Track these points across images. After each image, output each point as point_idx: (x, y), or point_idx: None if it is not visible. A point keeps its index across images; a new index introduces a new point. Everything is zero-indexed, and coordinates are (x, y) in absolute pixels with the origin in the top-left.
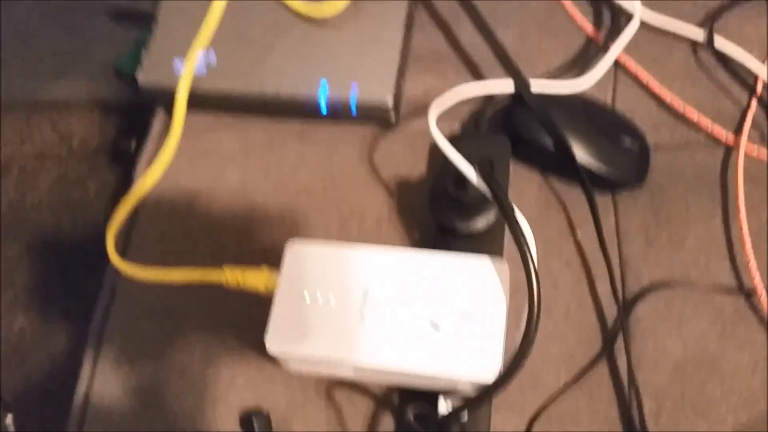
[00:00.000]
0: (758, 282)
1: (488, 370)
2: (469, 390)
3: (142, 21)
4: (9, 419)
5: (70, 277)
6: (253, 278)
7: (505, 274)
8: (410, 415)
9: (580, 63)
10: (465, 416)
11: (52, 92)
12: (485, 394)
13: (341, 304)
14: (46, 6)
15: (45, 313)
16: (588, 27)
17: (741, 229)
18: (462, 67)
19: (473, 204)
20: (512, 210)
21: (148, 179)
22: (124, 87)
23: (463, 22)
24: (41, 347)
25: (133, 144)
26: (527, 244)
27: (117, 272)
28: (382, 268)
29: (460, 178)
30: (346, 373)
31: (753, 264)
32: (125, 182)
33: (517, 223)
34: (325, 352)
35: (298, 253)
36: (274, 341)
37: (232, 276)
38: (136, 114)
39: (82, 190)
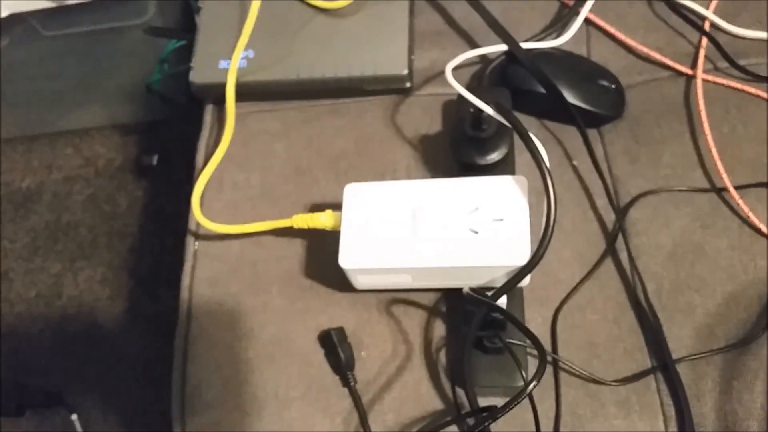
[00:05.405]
0: (726, 180)
1: (522, 255)
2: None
3: (172, 35)
4: (74, 417)
5: (115, 281)
6: (319, 219)
7: (524, 184)
8: (467, 288)
9: (558, 26)
10: (505, 304)
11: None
12: (523, 272)
13: (395, 224)
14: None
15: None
16: None
17: (707, 140)
18: (459, 40)
19: (488, 139)
20: (526, 130)
21: (215, 159)
22: (140, 109)
23: (455, 3)
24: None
25: (155, 159)
26: (540, 153)
27: (197, 236)
28: (425, 193)
29: (476, 119)
30: (404, 279)
31: (720, 167)
32: (152, 193)
33: (530, 138)
34: (388, 261)
35: (355, 192)
36: (345, 259)
37: (302, 220)
38: (154, 132)
39: (114, 205)
